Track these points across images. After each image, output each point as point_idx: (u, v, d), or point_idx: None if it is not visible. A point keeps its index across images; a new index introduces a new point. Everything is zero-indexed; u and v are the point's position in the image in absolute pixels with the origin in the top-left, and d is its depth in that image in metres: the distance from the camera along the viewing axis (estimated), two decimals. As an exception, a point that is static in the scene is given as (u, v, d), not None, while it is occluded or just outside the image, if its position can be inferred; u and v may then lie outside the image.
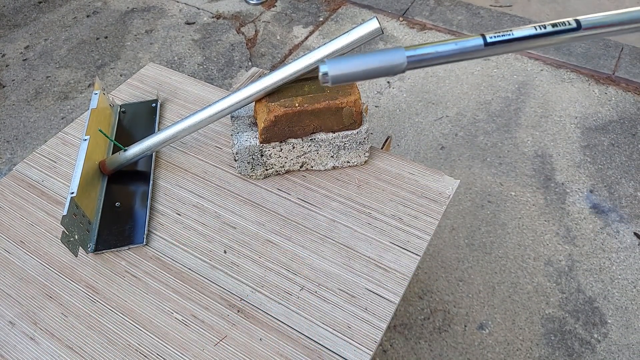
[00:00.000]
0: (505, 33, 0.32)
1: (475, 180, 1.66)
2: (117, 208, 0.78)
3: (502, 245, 1.49)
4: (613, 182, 1.63)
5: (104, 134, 0.84)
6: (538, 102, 1.92)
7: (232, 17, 2.43)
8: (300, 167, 0.81)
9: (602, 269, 1.42)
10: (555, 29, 0.31)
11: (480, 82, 2.01)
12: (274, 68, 2.13)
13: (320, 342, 0.62)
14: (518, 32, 0.32)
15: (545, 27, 0.31)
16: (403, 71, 0.32)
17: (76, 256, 0.72)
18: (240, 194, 0.79)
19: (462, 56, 0.33)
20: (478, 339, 1.30)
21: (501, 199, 1.61)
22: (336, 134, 0.76)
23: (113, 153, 0.87)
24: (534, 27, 0.32)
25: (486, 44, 0.31)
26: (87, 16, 2.49)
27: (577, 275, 1.41)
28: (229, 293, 0.67)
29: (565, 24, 0.31)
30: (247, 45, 2.27)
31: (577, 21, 0.31)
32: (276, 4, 2.50)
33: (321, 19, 2.38)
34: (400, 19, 2.35)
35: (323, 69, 0.32)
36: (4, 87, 2.12)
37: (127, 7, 2.53)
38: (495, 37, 0.31)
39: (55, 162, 0.88)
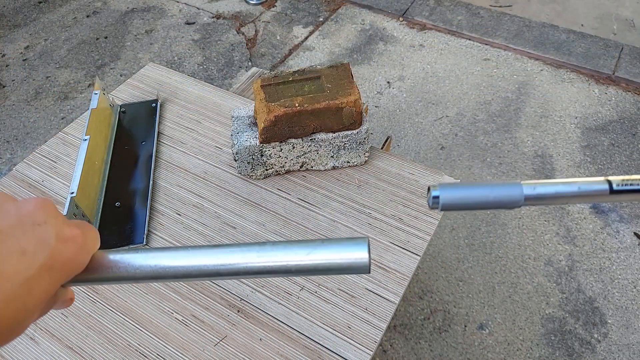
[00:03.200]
0: (634, 182, 0.29)
1: (475, 180, 1.67)
2: (117, 208, 0.78)
3: (502, 245, 1.49)
4: (613, 182, 1.63)
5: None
6: (538, 102, 1.92)
7: (232, 17, 2.43)
8: (300, 167, 0.81)
9: (602, 269, 1.42)
10: None
11: (480, 82, 2.01)
12: (273, 68, 2.13)
13: (320, 342, 0.62)
14: None
15: None
16: (519, 207, 0.30)
17: (76, 256, 0.71)
18: (240, 194, 0.79)
19: (582, 199, 0.31)
20: (478, 339, 1.30)
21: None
22: (336, 134, 0.76)
23: (114, 154, 0.87)
24: None
25: (612, 191, 0.29)
26: (87, 16, 2.49)
27: (577, 275, 1.41)
28: (229, 293, 0.67)
29: None
30: (247, 45, 2.27)
31: None
32: (276, 4, 2.50)
33: (321, 19, 2.38)
34: (400, 19, 2.35)
35: (434, 192, 0.31)
36: (4, 87, 2.12)
37: (127, 7, 2.53)
38: (623, 186, 0.29)
39: (55, 162, 0.88)
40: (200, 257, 0.30)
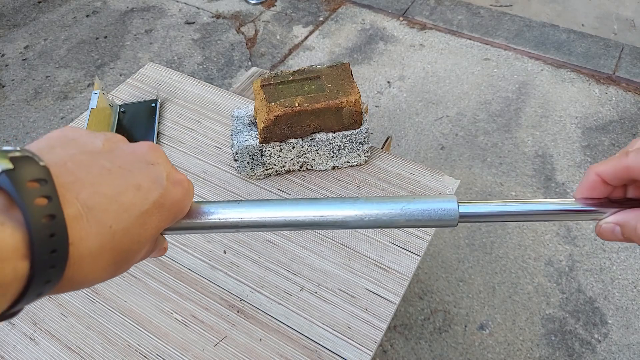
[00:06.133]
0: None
1: (475, 180, 1.66)
2: (117, 208, 0.78)
3: (503, 246, 1.49)
4: (613, 182, 1.63)
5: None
6: (538, 102, 1.92)
7: (232, 17, 2.43)
8: (300, 167, 0.81)
9: (603, 269, 1.42)
10: None
11: (481, 82, 2.01)
12: (273, 68, 2.13)
13: (320, 343, 0.62)
14: None
15: None
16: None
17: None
18: (240, 194, 0.79)
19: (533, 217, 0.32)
20: (478, 340, 1.30)
21: (502, 199, 1.60)
22: (336, 133, 0.76)
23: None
24: None
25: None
26: (87, 16, 2.49)
27: (577, 276, 1.41)
28: (228, 293, 0.67)
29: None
30: (246, 45, 2.27)
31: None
32: (276, 3, 2.50)
33: (321, 19, 2.38)
34: (401, 18, 2.34)
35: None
36: (3, 87, 2.11)
37: (127, 7, 2.53)
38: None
39: (54, 162, 0.87)
40: (297, 210, 0.31)
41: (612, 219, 0.30)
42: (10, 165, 0.20)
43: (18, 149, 0.21)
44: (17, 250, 0.19)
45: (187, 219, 0.30)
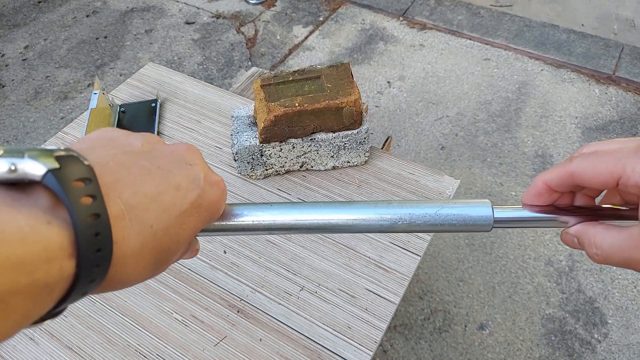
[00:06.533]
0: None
1: (475, 180, 1.66)
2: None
3: (503, 245, 1.49)
4: (613, 182, 1.63)
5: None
6: (538, 102, 1.92)
7: (232, 17, 2.43)
8: (300, 167, 0.81)
9: (603, 269, 1.42)
10: None
11: (481, 82, 2.01)
12: (273, 68, 2.13)
13: (320, 343, 0.62)
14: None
15: None
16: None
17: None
18: (240, 194, 0.79)
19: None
20: (478, 339, 1.30)
21: (502, 199, 1.60)
22: (336, 133, 0.76)
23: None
24: None
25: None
26: (87, 16, 2.49)
27: (577, 275, 1.41)
28: (228, 293, 0.67)
29: None
30: (246, 45, 2.27)
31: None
32: (276, 3, 2.50)
33: (321, 19, 2.38)
34: (401, 18, 2.34)
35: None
36: (3, 87, 2.11)
37: (127, 7, 2.53)
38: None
39: (54, 162, 0.87)
40: (330, 213, 0.30)
41: (573, 230, 0.30)
42: (56, 165, 0.20)
43: (62, 148, 0.22)
44: (64, 249, 0.19)
45: (220, 221, 0.30)
